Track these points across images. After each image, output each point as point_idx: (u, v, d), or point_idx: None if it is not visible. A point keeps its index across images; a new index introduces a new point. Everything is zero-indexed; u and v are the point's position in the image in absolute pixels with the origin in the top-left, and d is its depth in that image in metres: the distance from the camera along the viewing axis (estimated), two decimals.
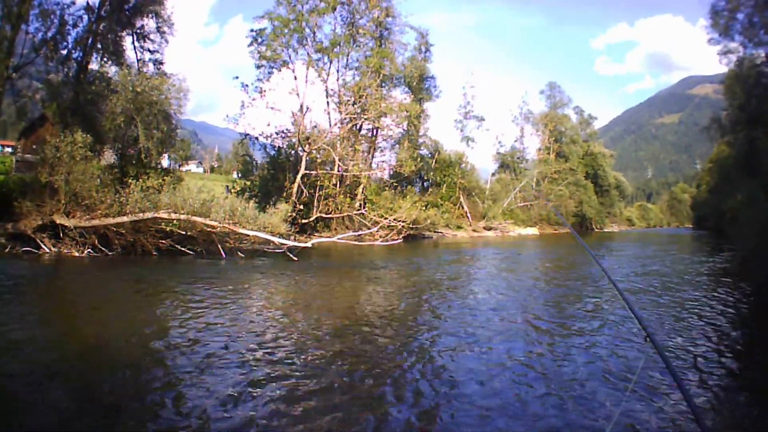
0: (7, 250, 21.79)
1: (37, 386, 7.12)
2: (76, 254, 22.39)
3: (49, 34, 29.42)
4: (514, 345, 10.29)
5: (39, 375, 7.58)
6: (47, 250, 22.38)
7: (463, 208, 65.35)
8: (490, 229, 65.83)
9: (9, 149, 57.19)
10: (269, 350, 9.36)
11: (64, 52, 30.45)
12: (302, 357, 9.02)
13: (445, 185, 64.42)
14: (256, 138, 44.21)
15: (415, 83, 58.97)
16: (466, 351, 9.74)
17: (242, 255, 25.22)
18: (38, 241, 22.56)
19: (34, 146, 34.40)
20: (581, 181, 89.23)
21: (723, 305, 15.33)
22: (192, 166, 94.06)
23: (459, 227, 60.68)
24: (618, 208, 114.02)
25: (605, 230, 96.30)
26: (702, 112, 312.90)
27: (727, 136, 46.71)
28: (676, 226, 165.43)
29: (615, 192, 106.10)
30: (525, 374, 8.47)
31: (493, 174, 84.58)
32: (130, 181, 25.33)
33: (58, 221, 22.71)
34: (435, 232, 51.69)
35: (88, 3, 30.62)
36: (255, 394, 7.09)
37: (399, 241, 38.52)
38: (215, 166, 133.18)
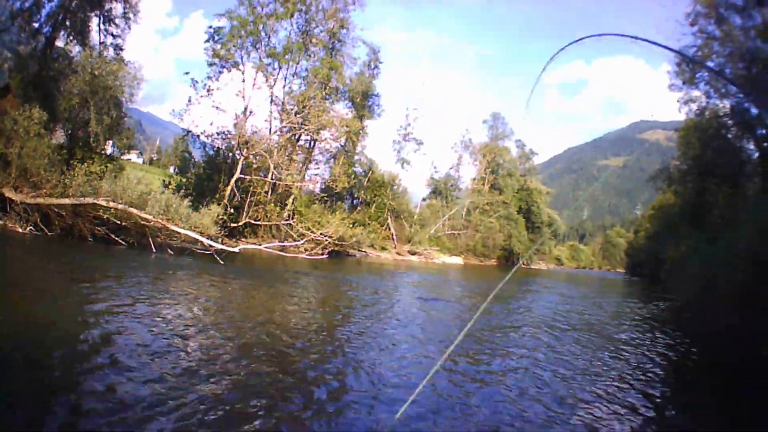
0: None
1: None
2: (19, 230, 23.70)
3: (27, 5, 30.96)
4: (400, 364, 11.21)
5: None
6: None
7: (390, 229, 67.58)
8: (414, 253, 67.76)
9: None
10: (178, 349, 9.82)
11: (36, 24, 31.89)
12: (210, 359, 9.55)
13: (374, 205, 66.44)
14: (198, 136, 45.22)
15: (358, 99, 61.12)
16: (362, 367, 10.52)
17: (171, 252, 26.41)
18: None
19: None
20: (513, 216, 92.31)
21: (653, 353, 16.07)
22: (133, 156, 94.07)
23: (384, 248, 62.71)
24: (548, 246, 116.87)
25: (532, 267, 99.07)
26: (650, 158, 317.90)
27: (675, 185, 47.83)
28: (607, 270, 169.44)
29: (547, 229, 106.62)
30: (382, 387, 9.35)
31: (425, 199, 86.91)
32: (75, 163, 26.99)
33: (6, 194, 24.04)
34: (359, 250, 53.51)
35: None
36: (143, 393, 7.33)
37: (323, 256, 40.46)
38: (154, 158, 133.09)
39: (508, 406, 9.28)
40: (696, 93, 40.03)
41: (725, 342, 20.42)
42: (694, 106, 40.74)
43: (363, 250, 55.17)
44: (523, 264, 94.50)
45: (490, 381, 11.00)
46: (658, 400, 10.91)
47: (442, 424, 8.01)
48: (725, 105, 38.49)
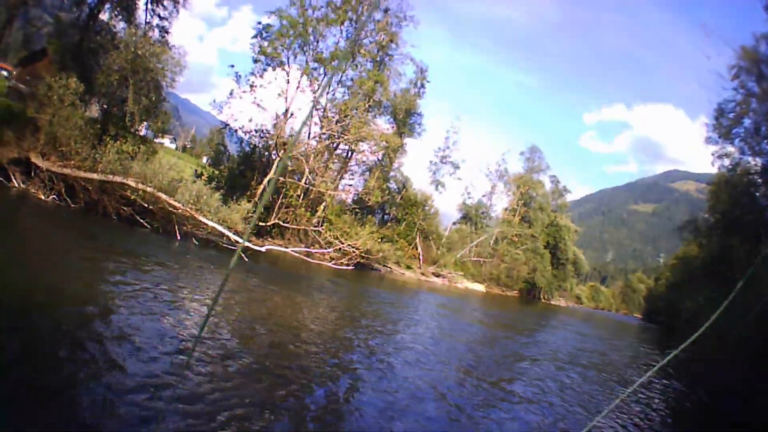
0: None
1: None
2: (42, 197, 23.01)
3: None
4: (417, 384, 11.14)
5: None
6: (16, 185, 23.05)
7: (417, 249, 66.29)
8: (438, 275, 66.38)
9: (5, 73, 56.81)
10: (190, 340, 9.57)
11: None
12: (222, 354, 9.46)
13: (405, 223, 65.44)
14: (235, 130, 44.67)
15: (401, 116, 60.14)
16: (372, 380, 10.68)
17: (196, 242, 25.77)
18: (10, 173, 23.17)
19: (28, 77, 34.81)
20: (540, 249, 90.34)
21: (659, 399, 16.15)
22: (166, 141, 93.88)
23: (409, 267, 61.31)
24: (570, 283, 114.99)
25: (552, 302, 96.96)
26: (679, 207, 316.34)
27: (700, 237, 47.47)
28: (624, 313, 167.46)
29: (571, 267, 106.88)
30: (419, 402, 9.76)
31: (455, 223, 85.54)
32: (108, 140, 26.13)
33: (32, 159, 23.35)
34: (384, 266, 52.33)
35: None
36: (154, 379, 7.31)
37: (349, 267, 39.50)
38: (188, 146, 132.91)
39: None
40: (730, 148, 39.55)
41: (733, 396, 20.31)
42: (727, 161, 40.38)
43: (388, 266, 53.82)
44: (544, 299, 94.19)
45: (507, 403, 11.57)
46: None
47: None
48: (757, 162, 37.94)
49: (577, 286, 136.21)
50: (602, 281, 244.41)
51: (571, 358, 21.28)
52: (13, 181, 23.21)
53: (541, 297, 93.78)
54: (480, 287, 74.77)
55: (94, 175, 23.69)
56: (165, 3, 34.50)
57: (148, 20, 34.05)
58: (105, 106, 31.72)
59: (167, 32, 34.72)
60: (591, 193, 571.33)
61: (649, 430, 12.14)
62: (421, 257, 66.71)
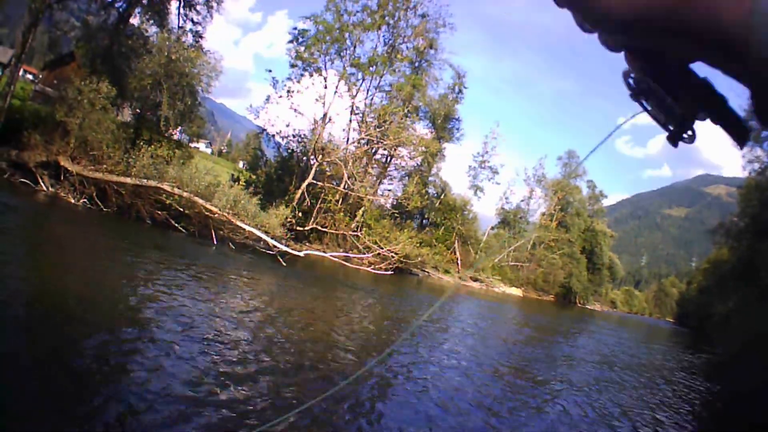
0: (5, 176, 21.79)
1: None
2: (72, 200, 22.41)
3: None
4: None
5: None
6: (44, 188, 22.40)
7: (455, 253, 65.38)
8: (476, 280, 65.79)
9: (30, 76, 56.80)
10: (227, 345, 9.28)
11: None
12: (257, 359, 9.09)
13: (443, 228, 64.60)
14: (273, 135, 44.16)
15: (440, 121, 59.11)
16: (419, 390, 9.83)
17: (233, 247, 25.06)
18: (38, 176, 22.53)
19: (56, 81, 34.27)
20: (576, 255, 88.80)
21: (687, 398, 16.10)
22: (201, 145, 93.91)
23: (447, 271, 60.06)
24: (605, 288, 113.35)
25: (588, 307, 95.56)
26: (711, 212, 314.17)
27: (731, 241, 46.70)
28: (657, 318, 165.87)
29: (606, 272, 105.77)
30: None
31: (493, 227, 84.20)
32: (142, 144, 25.30)
33: (62, 163, 22.69)
34: (422, 270, 51.34)
35: None
36: (192, 384, 7.02)
37: (388, 272, 38.44)
38: (224, 150, 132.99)
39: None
40: (760, 152, 39.50)
41: (761, 399, 19.10)
42: (757, 165, 40.18)
43: (426, 270, 52.87)
44: (580, 303, 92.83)
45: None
46: None
47: None
48: None
49: (611, 290, 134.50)
50: (636, 285, 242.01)
51: (607, 360, 21.59)
52: (42, 184, 22.55)
53: (577, 301, 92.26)
54: (517, 292, 73.71)
55: (128, 180, 23.10)
56: (198, 8, 33.68)
57: (181, 25, 33.30)
58: (138, 111, 31.08)
59: (201, 37, 33.89)
60: (626, 198, 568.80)
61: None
62: (459, 262, 65.73)
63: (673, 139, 0.83)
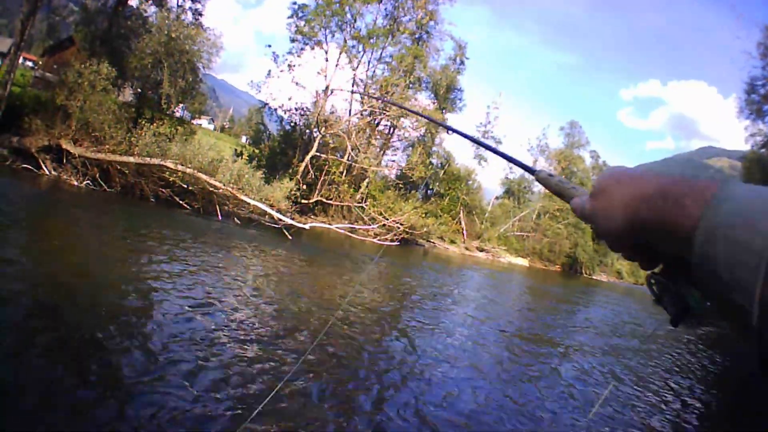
0: (8, 163, 21.63)
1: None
2: (75, 183, 22.30)
3: None
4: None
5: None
6: (47, 173, 22.27)
7: (460, 224, 65.39)
8: (482, 250, 65.60)
9: (30, 63, 56.68)
10: (234, 320, 9.25)
11: None
12: (262, 333, 9.03)
13: (448, 198, 64.52)
14: (275, 109, 44.26)
15: (442, 92, 59.00)
16: (426, 361, 9.86)
17: (238, 221, 25.06)
18: (40, 161, 22.42)
19: (55, 66, 34.18)
20: (581, 225, 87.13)
21: (689, 376, 15.61)
22: (204, 122, 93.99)
23: (452, 242, 60.43)
24: (611, 258, 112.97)
25: (594, 277, 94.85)
26: None
27: None
28: None
29: None
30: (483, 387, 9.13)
31: (497, 197, 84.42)
32: (143, 123, 25.23)
33: (64, 146, 22.58)
34: (428, 241, 51.39)
35: None
36: (202, 362, 6.98)
37: (394, 243, 38.31)
38: (226, 126, 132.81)
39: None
40: (762, 126, 39.33)
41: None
42: (759, 139, 40.18)
43: (432, 241, 53.04)
44: (586, 274, 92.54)
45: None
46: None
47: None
48: None
49: (617, 261, 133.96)
50: None
51: (617, 329, 22.53)
52: (44, 168, 22.41)
53: (583, 272, 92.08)
54: (523, 262, 73.63)
55: (131, 159, 22.91)
56: None
57: (180, 3, 32.78)
58: (139, 90, 31.05)
59: (200, 14, 33.30)
60: None
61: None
62: (464, 232, 65.81)
63: (676, 322, 0.86)
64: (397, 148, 56.75)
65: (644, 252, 0.91)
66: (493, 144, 69.76)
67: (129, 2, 30.71)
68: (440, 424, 7.14)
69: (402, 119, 47.33)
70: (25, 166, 21.89)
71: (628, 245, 0.90)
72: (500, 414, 8.10)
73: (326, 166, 40.59)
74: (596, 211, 0.93)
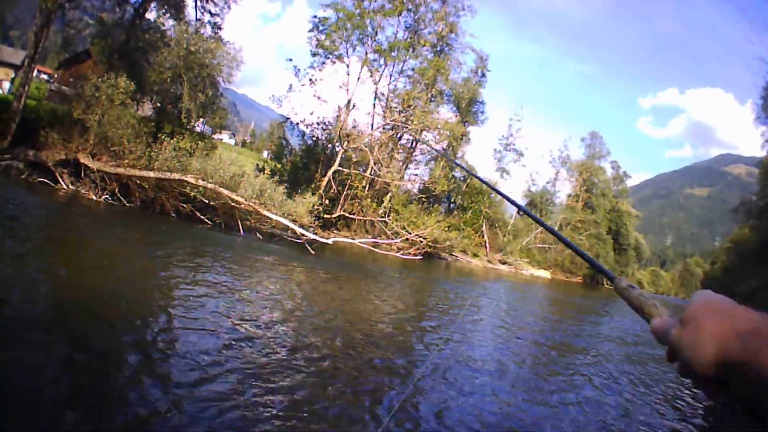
0: (23, 176, 21.28)
1: (17, 330, 6.64)
2: (93, 197, 21.84)
3: None
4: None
5: (22, 319, 7.06)
6: (64, 187, 21.88)
7: (483, 237, 65.02)
8: (504, 263, 65.09)
9: (45, 76, 56.94)
10: (259, 337, 8.89)
11: None
12: (286, 350, 8.64)
13: (470, 211, 64.07)
14: (297, 124, 43.83)
15: (464, 104, 58.85)
16: (449, 379, 9.36)
17: (260, 237, 24.60)
18: (57, 175, 22.02)
19: (72, 79, 33.96)
20: (602, 235, 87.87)
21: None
22: (225, 136, 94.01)
23: (475, 255, 59.75)
24: (632, 268, 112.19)
25: None
26: (732, 191, 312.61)
27: (752, 220, 46.68)
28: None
29: (633, 252, 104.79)
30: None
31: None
32: (164, 137, 24.87)
33: (82, 160, 22.18)
34: (451, 254, 50.80)
35: None
36: (225, 378, 6.68)
37: (417, 257, 37.74)
38: (248, 141, 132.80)
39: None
40: None
41: None
42: None
43: (455, 254, 52.43)
44: (607, 285, 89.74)
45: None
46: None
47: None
48: None
49: (638, 270, 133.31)
50: (662, 265, 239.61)
51: (640, 337, 22.38)
52: (61, 182, 21.99)
53: (605, 283, 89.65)
54: (545, 274, 73.15)
55: (151, 174, 22.48)
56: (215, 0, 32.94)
57: (198, 17, 32.66)
58: (159, 105, 30.73)
59: (220, 28, 33.24)
60: (649, 178, 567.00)
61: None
62: (487, 245, 65.53)
63: None
64: (420, 162, 56.46)
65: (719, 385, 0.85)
66: (515, 156, 70.01)
67: (146, 15, 30.40)
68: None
69: (425, 133, 46.71)
70: (41, 179, 21.47)
71: (709, 380, 0.84)
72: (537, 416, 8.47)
73: (349, 181, 40.16)
74: (685, 342, 0.88)
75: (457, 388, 8.73)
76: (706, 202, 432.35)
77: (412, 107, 42.96)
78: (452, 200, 65.85)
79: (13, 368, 5.62)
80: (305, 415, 6.24)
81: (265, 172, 29.06)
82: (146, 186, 22.66)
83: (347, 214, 39.48)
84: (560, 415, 8.83)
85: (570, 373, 12.39)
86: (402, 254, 36.59)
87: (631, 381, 12.80)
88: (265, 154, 78.11)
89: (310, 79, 41.60)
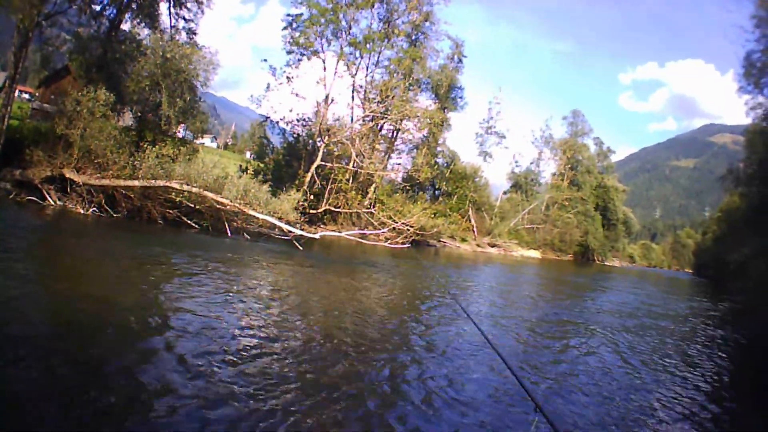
0: (11, 196, 21.25)
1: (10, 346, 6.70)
2: (81, 211, 21.93)
3: None
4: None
5: (14, 335, 7.15)
6: (52, 203, 21.94)
7: (470, 221, 65.38)
8: (494, 246, 65.44)
9: (26, 95, 56.87)
10: (251, 335, 9.03)
11: (98, 7, 29.80)
12: (280, 345, 8.74)
13: (456, 196, 64.52)
14: (277, 122, 43.95)
15: (442, 91, 58.93)
16: (440, 363, 9.49)
17: (248, 237, 24.86)
18: (44, 192, 22.08)
19: (53, 96, 33.92)
20: (590, 212, 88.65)
21: (710, 350, 15.86)
22: (207, 140, 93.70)
23: (464, 240, 60.39)
24: (622, 243, 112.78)
25: (606, 263, 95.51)
26: (718, 161, 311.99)
27: (740, 187, 46.31)
28: (675, 270, 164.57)
29: (622, 227, 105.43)
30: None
31: (505, 192, 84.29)
32: (146, 146, 24.88)
33: (67, 175, 22.26)
34: (439, 241, 51.27)
35: None
36: (218, 376, 6.83)
37: (405, 246, 37.90)
38: (229, 143, 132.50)
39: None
40: (761, 98, 37.56)
41: None
42: (760, 111, 38.41)
43: (443, 240, 53.13)
44: (598, 260, 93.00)
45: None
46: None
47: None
48: None
49: (629, 245, 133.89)
50: (652, 238, 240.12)
51: (634, 312, 22.64)
52: (49, 199, 22.06)
53: (595, 259, 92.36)
54: (535, 254, 73.62)
55: (135, 183, 22.67)
56: (188, 5, 33.10)
57: (173, 24, 32.81)
58: (139, 114, 30.77)
59: (195, 33, 33.41)
60: (634, 152, 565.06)
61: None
62: (475, 229, 65.86)
63: None
64: (402, 151, 56.95)
65: None
66: (497, 139, 70.49)
67: (122, 26, 30.47)
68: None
69: (404, 122, 47.32)
70: (29, 198, 21.51)
71: None
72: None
73: (332, 175, 40.29)
74: None
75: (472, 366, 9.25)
76: (693, 173, 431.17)
77: (390, 97, 43.26)
78: (437, 187, 66.03)
79: (15, 384, 5.72)
80: (322, 415, 6.29)
81: (249, 172, 29.39)
82: (132, 195, 22.84)
83: (333, 208, 39.75)
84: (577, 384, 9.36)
85: (586, 345, 13.10)
86: (390, 244, 36.89)
87: (646, 350, 13.55)
88: (247, 154, 78.09)
89: (287, 77, 41.68)
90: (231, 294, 11.81)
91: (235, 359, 7.50)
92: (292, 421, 5.92)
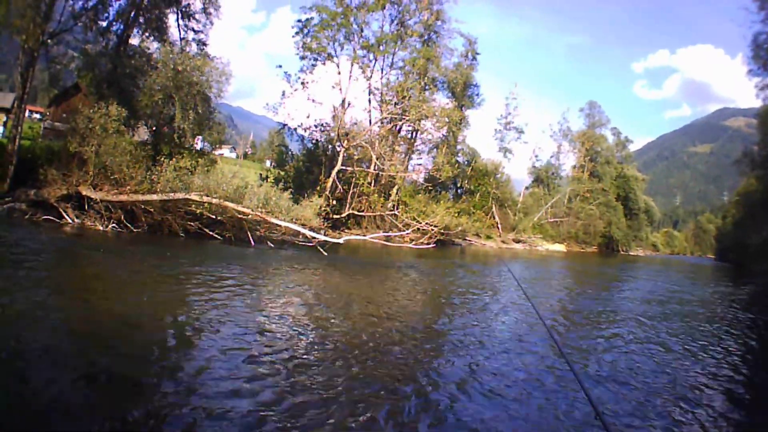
0: (27, 216, 20.93)
1: (36, 362, 6.62)
2: (100, 228, 21.62)
3: (90, 4, 28.35)
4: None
5: (39, 350, 7.00)
6: (69, 221, 21.53)
7: (494, 218, 64.79)
8: (519, 241, 64.94)
9: (37, 115, 57.02)
10: (281, 344, 8.79)
11: (104, 23, 29.41)
12: (312, 354, 8.51)
13: (479, 194, 63.95)
14: (294, 129, 43.63)
15: (458, 89, 58.03)
16: (479, 363, 9.15)
17: (272, 245, 24.46)
18: (61, 210, 21.67)
19: (64, 114, 33.76)
20: (612, 203, 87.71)
21: (731, 335, 15.46)
22: (225, 151, 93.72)
23: (489, 237, 59.83)
24: (645, 232, 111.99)
25: (631, 253, 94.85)
26: (734, 145, 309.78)
27: (756, 170, 46.42)
28: (698, 256, 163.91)
29: (644, 216, 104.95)
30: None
31: (527, 187, 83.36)
32: (163, 159, 24.46)
33: (84, 193, 21.92)
34: (464, 239, 50.68)
35: None
36: (255, 386, 6.67)
37: (430, 246, 36.86)
38: (248, 152, 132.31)
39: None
40: None
41: None
42: None
43: (468, 238, 52.50)
44: (623, 250, 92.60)
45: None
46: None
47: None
48: None
49: (651, 234, 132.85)
50: (674, 226, 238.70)
51: (662, 299, 22.97)
52: (66, 217, 21.64)
53: (620, 249, 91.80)
54: (560, 247, 72.90)
55: (154, 196, 22.29)
56: (197, 17, 32.67)
57: (182, 36, 32.42)
58: (154, 128, 30.31)
59: (205, 44, 33.03)
60: (651, 140, 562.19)
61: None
62: (499, 225, 65.24)
63: None
64: (422, 151, 56.38)
65: None
66: (515, 134, 69.89)
67: (130, 41, 30.09)
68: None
69: (423, 122, 46.81)
70: (46, 217, 21.12)
71: None
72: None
73: (354, 179, 39.97)
74: None
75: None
76: (710, 158, 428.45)
77: (407, 98, 42.71)
78: (459, 185, 65.41)
79: (35, 399, 5.55)
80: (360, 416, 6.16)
81: (269, 180, 28.79)
82: (151, 209, 22.44)
83: (356, 212, 39.40)
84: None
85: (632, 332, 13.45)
86: (415, 245, 36.00)
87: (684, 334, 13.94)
88: (267, 163, 77.90)
89: (302, 83, 41.36)
90: (258, 304, 11.62)
91: (303, 361, 7.83)
92: (368, 416, 6.13)
